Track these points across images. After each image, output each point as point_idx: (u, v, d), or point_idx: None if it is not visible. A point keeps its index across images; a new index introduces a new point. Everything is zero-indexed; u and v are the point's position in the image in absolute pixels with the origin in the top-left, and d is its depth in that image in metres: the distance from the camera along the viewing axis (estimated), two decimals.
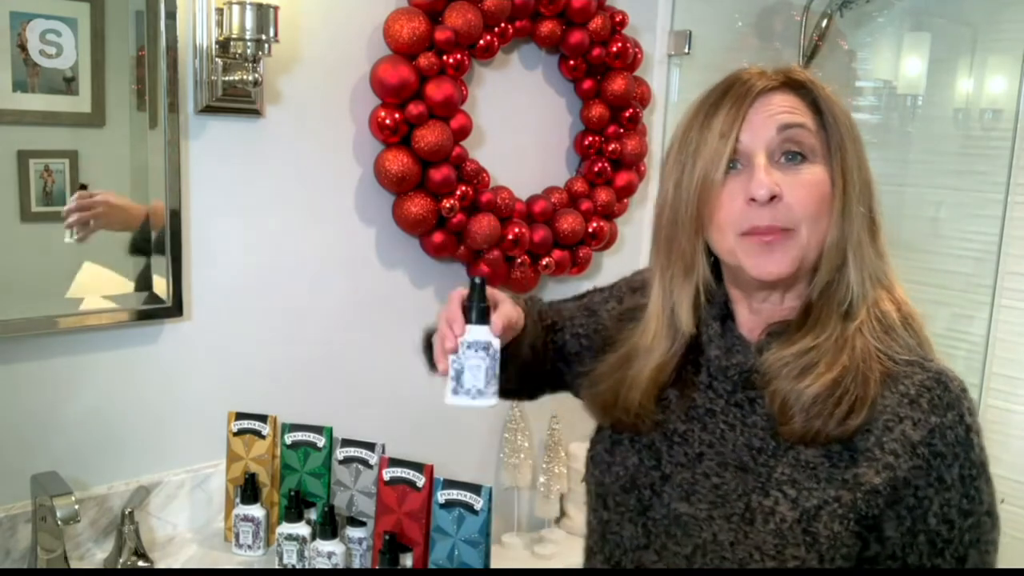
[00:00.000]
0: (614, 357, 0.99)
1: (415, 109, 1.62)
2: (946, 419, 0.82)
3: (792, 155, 0.86)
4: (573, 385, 1.12)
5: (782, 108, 0.87)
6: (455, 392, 0.88)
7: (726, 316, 0.95)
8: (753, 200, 0.84)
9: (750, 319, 0.94)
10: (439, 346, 0.92)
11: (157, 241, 1.42)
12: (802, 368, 0.85)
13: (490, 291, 0.95)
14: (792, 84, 0.89)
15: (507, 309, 0.95)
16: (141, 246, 1.42)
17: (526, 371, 1.08)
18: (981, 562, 0.83)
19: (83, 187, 1.35)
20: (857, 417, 0.82)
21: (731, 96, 0.88)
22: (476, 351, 0.87)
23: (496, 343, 0.89)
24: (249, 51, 1.38)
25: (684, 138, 0.90)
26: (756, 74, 0.89)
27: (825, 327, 0.87)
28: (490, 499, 1.27)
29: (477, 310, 0.89)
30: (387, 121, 1.61)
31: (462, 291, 0.94)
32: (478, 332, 0.88)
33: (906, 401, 0.83)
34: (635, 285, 1.11)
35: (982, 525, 0.83)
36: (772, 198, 0.84)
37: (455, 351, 0.89)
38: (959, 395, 0.84)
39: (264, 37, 1.37)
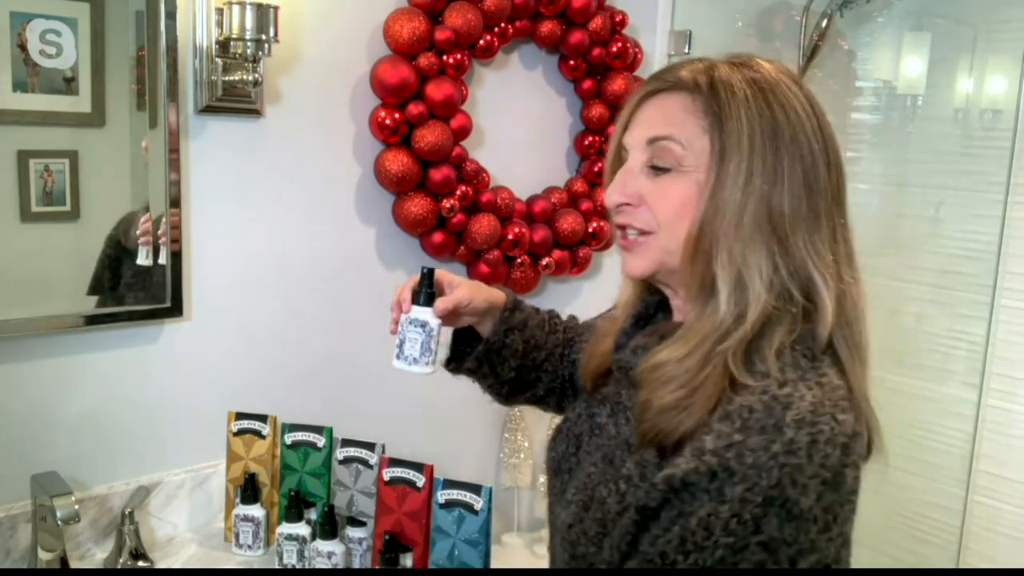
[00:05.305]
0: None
1: (415, 109, 1.62)
2: (750, 440, 0.74)
3: (655, 168, 0.87)
4: None
5: (656, 117, 0.88)
6: (397, 357, 1.07)
7: (644, 317, 0.99)
8: None
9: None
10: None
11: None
12: (661, 382, 0.83)
13: (447, 277, 1.10)
14: (685, 86, 0.86)
15: (460, 294, 1.08)
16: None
17: (528, 364, 1.14)
18: None
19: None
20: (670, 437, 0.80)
21: (636, 94, 0.92)
22: (415, 327, 1.06)
23: (433, 322, 1.06)
24: (249, 51, 1.38)
25: None
26: (666, 70, 0.90)
27: (688, 343, 0.83)
28: (490, 499, 1.27)
29: (422, 294, 1.07)
30: (387, 121, 1.61)
31: (415, 278, 1.09)
32: (418, 312, 1.06)
33: (722, 415, 0.78)
34: None
35: (746, 552, 0.74)
36: (620, 205, 0.89)
37: (396, 324, 1.08)
38: (787, 427, 0.74)
39: (264, 37, 1.37)
